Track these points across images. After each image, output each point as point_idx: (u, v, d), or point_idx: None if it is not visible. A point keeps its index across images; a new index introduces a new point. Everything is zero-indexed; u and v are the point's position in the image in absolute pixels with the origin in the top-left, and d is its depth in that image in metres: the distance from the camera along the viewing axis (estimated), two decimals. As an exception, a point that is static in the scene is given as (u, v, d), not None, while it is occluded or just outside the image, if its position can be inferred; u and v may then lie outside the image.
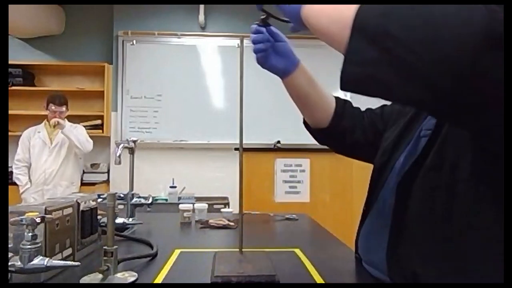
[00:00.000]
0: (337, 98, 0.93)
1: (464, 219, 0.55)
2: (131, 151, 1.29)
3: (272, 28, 0.82)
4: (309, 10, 0.56)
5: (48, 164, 3.07)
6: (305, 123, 0.96)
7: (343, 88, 0.49)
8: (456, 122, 0.53)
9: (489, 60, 0.41)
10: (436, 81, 0.42)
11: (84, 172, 3.72)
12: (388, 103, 0.93)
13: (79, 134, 3.11)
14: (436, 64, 0.42)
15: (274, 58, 0.83)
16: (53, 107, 3.02)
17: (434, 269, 0.57)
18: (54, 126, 3.03)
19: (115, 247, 0.70)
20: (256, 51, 0.82)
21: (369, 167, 0.87)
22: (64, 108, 3.07)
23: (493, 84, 0.42)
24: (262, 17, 0.78)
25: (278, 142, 3.26)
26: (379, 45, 0.44)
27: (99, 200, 0.98)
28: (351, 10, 0.47)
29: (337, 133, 0.90)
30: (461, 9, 0.41)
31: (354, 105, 0.94)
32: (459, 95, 0.43)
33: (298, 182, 2.47)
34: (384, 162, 0.79)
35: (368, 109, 0.95)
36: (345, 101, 0.94)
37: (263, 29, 0.80)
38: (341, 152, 0.98)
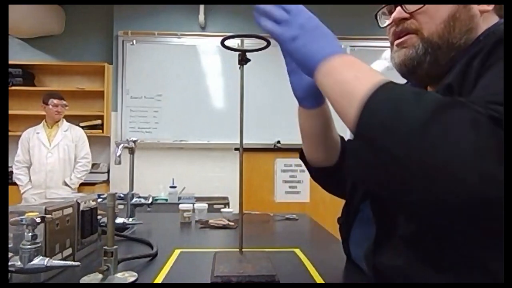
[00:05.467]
0: (342, 138, 0.85)
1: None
2: (131, 151, 1.29)
3: None
4: (325, 77, 0.53)
5: (49, 166, 3.07)
6: (301, 156, 0.87)
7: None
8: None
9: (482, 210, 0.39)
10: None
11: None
12: None
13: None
14: (429, 195, 0.41)
15: (295, 78, 0.73)
16: (55, 101, 3.05)
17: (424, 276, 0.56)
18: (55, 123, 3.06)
19: (115, 247, 0.70)
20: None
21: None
22: (65, 102, 3.11)
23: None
24: (239, 58, 0.77)
25: (278, 142, 3.26)
26: (378, 159, 0.44)
27: (99, 200, 0.98)
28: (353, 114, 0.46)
29: (340, 175, 0.81)
30: (465, 160, 0.38)
31: None
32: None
33: (298, 182, 2.47)
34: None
35: None
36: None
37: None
38: (338, 195, 0.89)
